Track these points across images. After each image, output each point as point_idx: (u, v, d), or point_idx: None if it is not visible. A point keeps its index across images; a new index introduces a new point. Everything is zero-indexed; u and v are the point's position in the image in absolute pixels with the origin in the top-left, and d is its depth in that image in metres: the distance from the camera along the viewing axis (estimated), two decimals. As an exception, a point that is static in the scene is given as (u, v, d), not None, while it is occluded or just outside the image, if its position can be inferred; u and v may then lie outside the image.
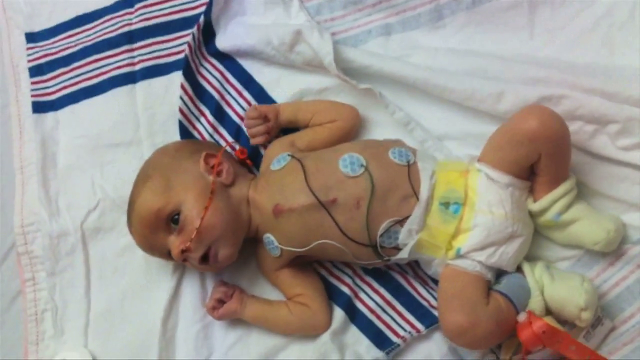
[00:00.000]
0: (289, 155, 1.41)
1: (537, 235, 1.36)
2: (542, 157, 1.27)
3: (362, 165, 1.33)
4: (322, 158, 1.39)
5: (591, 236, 1.30)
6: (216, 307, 1.43)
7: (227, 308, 1.42)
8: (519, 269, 1.33)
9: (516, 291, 1.28)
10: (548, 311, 1.29)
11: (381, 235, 1.30)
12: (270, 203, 1.36)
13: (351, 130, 1.49)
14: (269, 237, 1.38)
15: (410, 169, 1.33)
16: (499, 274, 1.31)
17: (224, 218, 1.35)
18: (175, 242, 1.35)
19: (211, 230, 1.34)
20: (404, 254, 1.31)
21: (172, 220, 1.35)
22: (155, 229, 1.37)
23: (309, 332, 1.41)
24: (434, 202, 1.31)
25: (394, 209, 1.30)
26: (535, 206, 1.32)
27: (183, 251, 1.34)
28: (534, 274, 1.30)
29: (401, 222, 1.30)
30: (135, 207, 1.38)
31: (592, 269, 1.35)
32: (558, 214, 1.30)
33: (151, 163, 1.45)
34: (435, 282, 1.41)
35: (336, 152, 1.38)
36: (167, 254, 1.39)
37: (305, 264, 1.45)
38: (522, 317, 1.24)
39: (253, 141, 1.52)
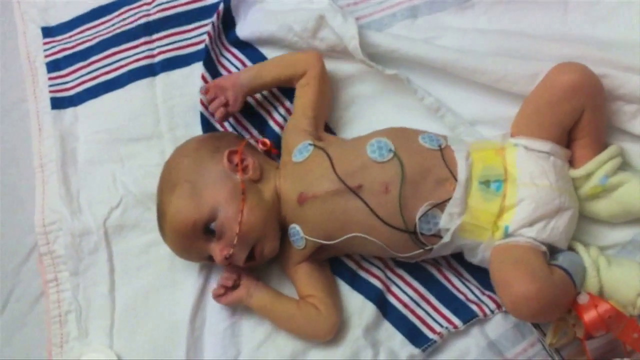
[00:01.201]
0: (310, 144, 1.38)
1: (580, 220, 1.32)
2: (585, 112, 1.26)
3: (390, 150, 1.30)
4: (349, 145, 1.38)
5: None
6: (222, 294, 1.40)
7: (233, 296, 1.39)
8: (571, 250, 1.29)
9: (574, 268, 1.23)
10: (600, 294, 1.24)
11: (420, 220, 1.26)
12: (295, 192, 1.34)
13: (324, 73, 1.46)
14: (294, 227, 1.36)
15: (444, 152, 1.30)
16: (552, 251, 1.27)
17: (261, 216, 1.33)
18: (216, 250, 1.33)
19: (251, 231, 1.32)
20: (447, 238, 1.27)
21: (209, 229, 1.32)
22: (193, 240, 1.34)
23: (310, 334, 1.38)
24: (473, 182, 1.27)
25: (429, 193, 1.27)
26: (580, 171, 1.29)
27: (227, 257, 1.32)
28: (590, 255, 1.27)
29: (439, 205, 1.26)
30: (167, 220, 1.35)
31: (637, 257, 1.31)
32: (605, 177, 1.27)
33: (173, 168, 1.41)
34: (472, 273, 1.39)
35: (364, 137, 1.36)
36: (206, 258, 1.37)
37: (325, 262, 1.42)
38: (583, 298, 1.19)
39: (216, 116, 1.48)
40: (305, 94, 1.45)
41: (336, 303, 1.38)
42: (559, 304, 1.18)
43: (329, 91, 1.50)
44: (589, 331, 1.17)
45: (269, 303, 1.39)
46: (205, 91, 1.49)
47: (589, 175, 1.29)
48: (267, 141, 1.49)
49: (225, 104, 1.47)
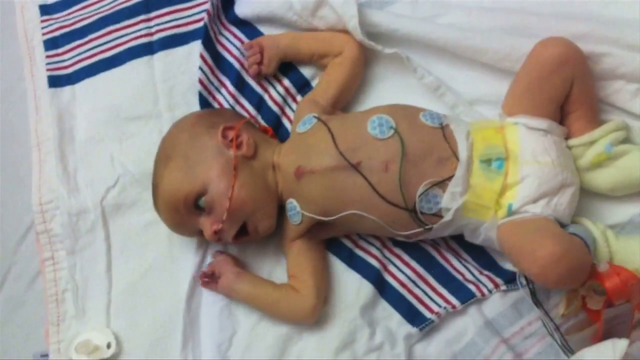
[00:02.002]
0: (314, 117, 1.37)
1: (579, 200, 1.31)
2: (575, 83, 1.27)
3: (391, 128, 1.29)
4: (350, 120, 1.37)
5: None
6: (207, 283, 1.42)
7: (217, 289, 1.41)
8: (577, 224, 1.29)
9: (587, 236, 1.23)
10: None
11: (420, 198, 1.26)
12: (293, 166, 1.33)
13: (360, 57, 1.47)
14: (291, 202, 1.35)
15: (445, 130, 1.29)
16: (559, 225, 1.25)
17: (252, 193, 1.33)
18: (206, 224, 1.33)
19: (241, 208, 1.32)
20: (448, 217, 1.26)
21: (199, 203, 1.32)
22: (184, 213, 1.34)
23: (292, 318, 1.37)
24: (475, 161, 1.27)
25: (430, 172, 1.26)
26: (584, 138, 1.30)
27: (216, 232, 1.31)
28: (597, 227, 1.27)
29: (440, 184, 1.26)
30: (159, 192, 1.36)
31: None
32: (610, 145, 1.27)
33: (169, 142, 1.41)
34: (470, 253, 1.39)
35: (365, 113, 1.35)
36: (198, 233, 1.38)
37: (321, 244, 1.41)
38: (603, 266, 1.18)
39: (250, 72, 1.53)
40: (336, 71, 1.46)
41: (319, 286, 1.36)
42: (583, 266, 1.17)
43: (359, 78, 1.50)
44: (611, 298, 1.16)
45: (251, 292, 1.38)
46: (248, 47, 1.52)
47: (591, 143, 1.29)
48: (269, 128, 1.49)
49: (260, 63, 1.50)
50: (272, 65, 1.51)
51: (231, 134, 1.37)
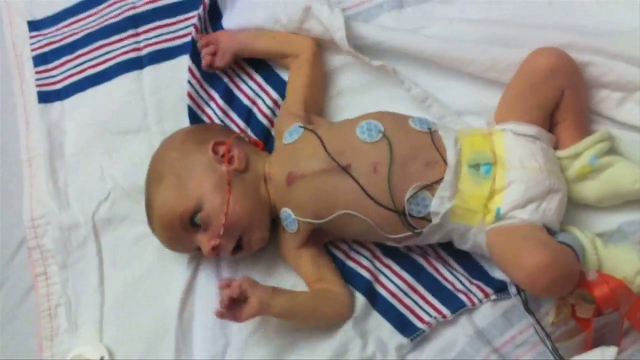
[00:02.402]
0: (300, 126, 1.38)
1: (567, 208, 1.32)
2: (566, 93, 1.28)
3: (380, 132, 1.30)
4: (338, 126, 1.39)
5: (630, 175, 1.27)
6: (227, 314, 1.26)
7: (246, 312, 1.26)
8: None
9: (575, 244, 1.23)
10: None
11: (409, 202, 1.26)
12: (284, 174, 1.34)
13: (316, 58, 1.49)
14: (285, 211, 1.36)
15: (433, 135, 1.31)
16: (548, 232, 1.26)
17: (247, 206, 1.33)
18: (203, 241, 1.33)
19: (237, 222, 1.32)
20: (436, 220, 1.27)
21: (194, 220, 1.32)
22: (181, 231, 1.34)
23: (336, 318, 1.37)
24: (463, 166, 1.28)
25: (418, 175, 1.27)
26: (570, 150, 1.31)
27: (214, 248, 1.32)
28: (586, 235, 1.27)
29: (429, 188, 1.27)
30: (154, 212, 1.36)
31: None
32: (594, 157, 1.29)
33: (159, 160, 1.41)
34: (460, 262, 1.39)
35: (354, 120, 1.36)
36: (195, 249, 1.38)
37: (322, 248, 1.42)
38: (592, 275, 1.18)
39: (202, 63, 1.52)
40: (296, 78, 1.47)
41: (343, 281, 1.38)
42: (572, 274, 1.17)
43: (321, 77, 1.51)
44: (600, 307, 1.16)
45: (291, 303, 1.33)
46: (204, 44, 1.52)
47: (577, 155, 1.30)
48: (260, 142, 1.49)
49: (214, 54, 1.51)
50: (226, 59, 1.52)
51: (222, 149, 1.37)
